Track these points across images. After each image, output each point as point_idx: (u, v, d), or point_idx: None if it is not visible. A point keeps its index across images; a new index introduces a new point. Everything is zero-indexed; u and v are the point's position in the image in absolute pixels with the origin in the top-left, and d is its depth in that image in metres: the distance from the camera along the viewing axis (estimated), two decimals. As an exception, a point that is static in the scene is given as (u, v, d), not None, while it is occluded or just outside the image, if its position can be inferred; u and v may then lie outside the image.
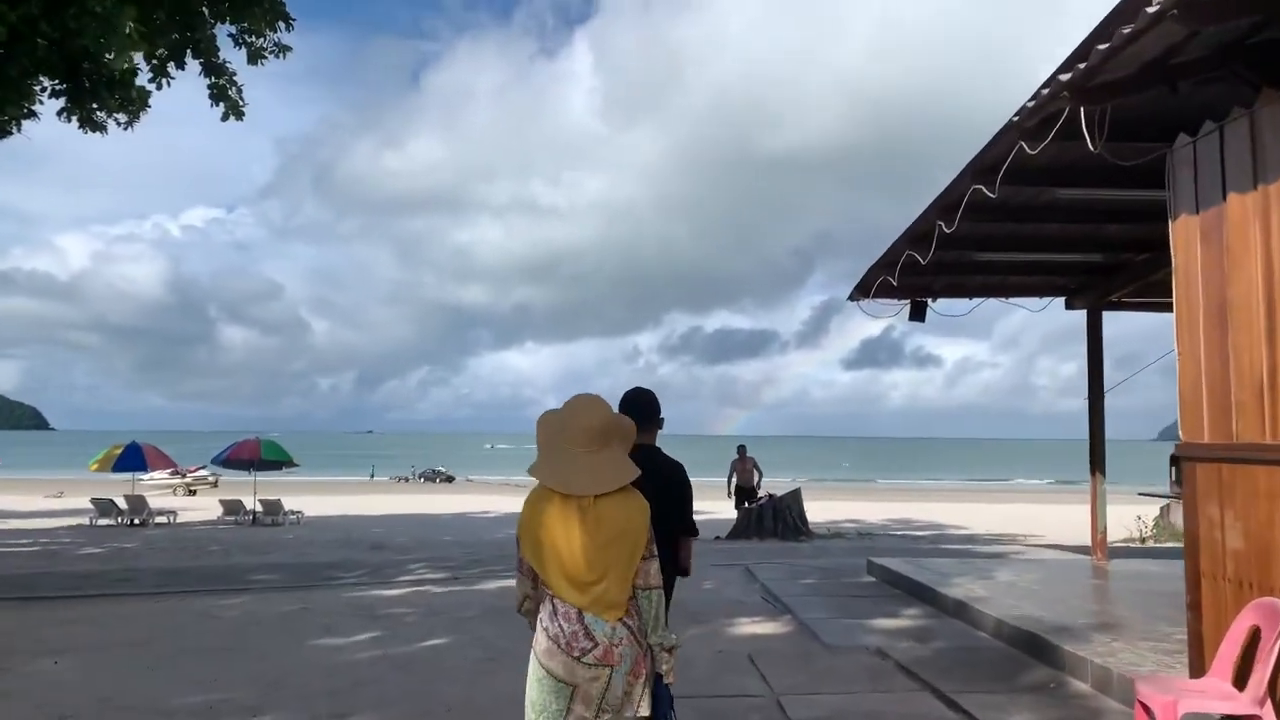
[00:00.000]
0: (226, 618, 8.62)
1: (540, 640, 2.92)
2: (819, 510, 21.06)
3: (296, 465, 27.78)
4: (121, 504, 25.55)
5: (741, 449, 18.68)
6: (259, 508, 25.96)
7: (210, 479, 44.98)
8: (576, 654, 2.84)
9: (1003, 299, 12.42)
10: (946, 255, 10.56)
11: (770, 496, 17.65)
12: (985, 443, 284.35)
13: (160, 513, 26.02)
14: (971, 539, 18.31)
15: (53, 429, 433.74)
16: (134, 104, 13.69)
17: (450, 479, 62.67)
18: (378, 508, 33.84)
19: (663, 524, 3.24)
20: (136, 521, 25.09)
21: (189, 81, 11.62)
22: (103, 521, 24.97)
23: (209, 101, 11.60)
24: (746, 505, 17.74)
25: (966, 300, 12.43)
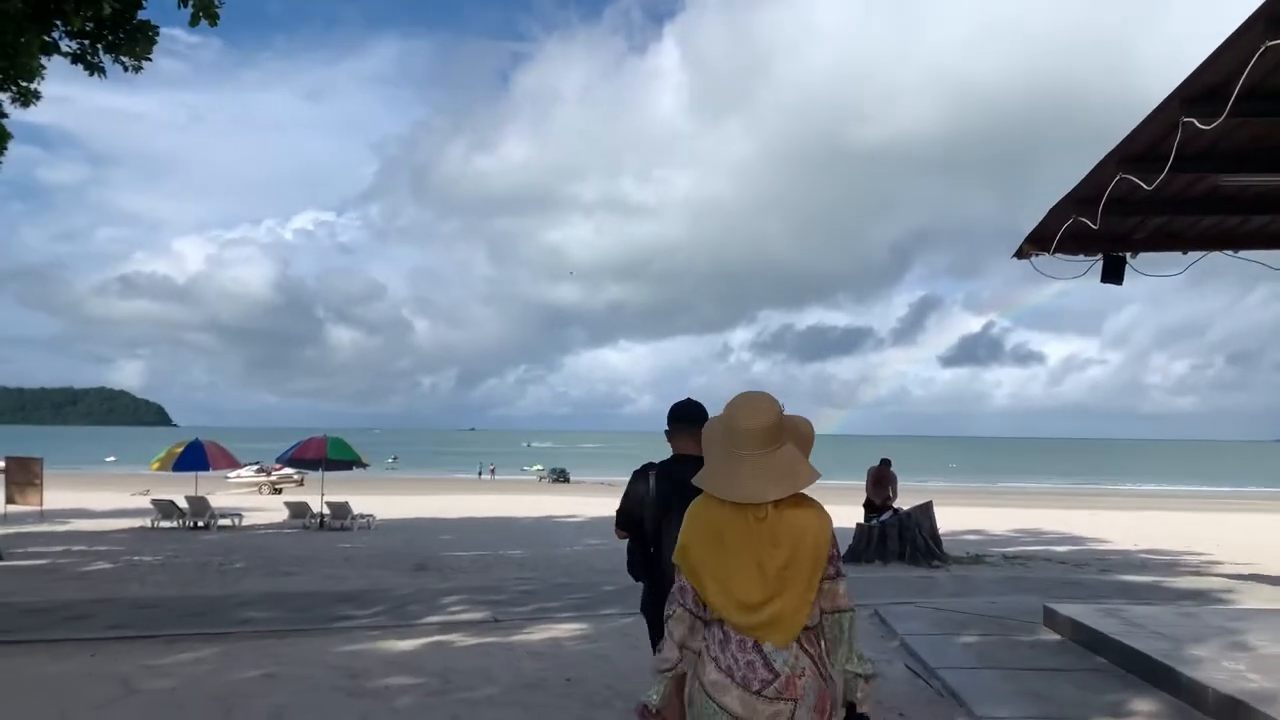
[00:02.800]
0: (148, 689, 6.17)
1: (709, 672, 2.55)
2: (937, 520, 17.74)
3: (366, 465, 25.88)
4: (184, 505, 24.14)
5: (886, 461, 15.63)
6: (326, 510, 24.17)
7: (296, 477, 43.99)
8: (756, 688, 2.50)
9: (1234, 252, 9.10)
10: (1172, 183, 7.46)
11: (895, 511, 14.52)
12: (1094, 443, 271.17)
13: (225, 515, 24.48)
14: (1141, 563, 14.84)
15: (175, 425, 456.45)
16: (140, 44, 12.15)
17: (566, 479, 60.73)
18: (460, 509, 32.02)
19: None
20: (200, 524, 23.62)
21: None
22: (164, 524, 23.59)
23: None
24: (868, 521, 14.65)
25: (1180, 255, 9.19)
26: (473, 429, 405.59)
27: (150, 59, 13.01)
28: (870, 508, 15.33)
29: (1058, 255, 8.94)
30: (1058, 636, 8.07)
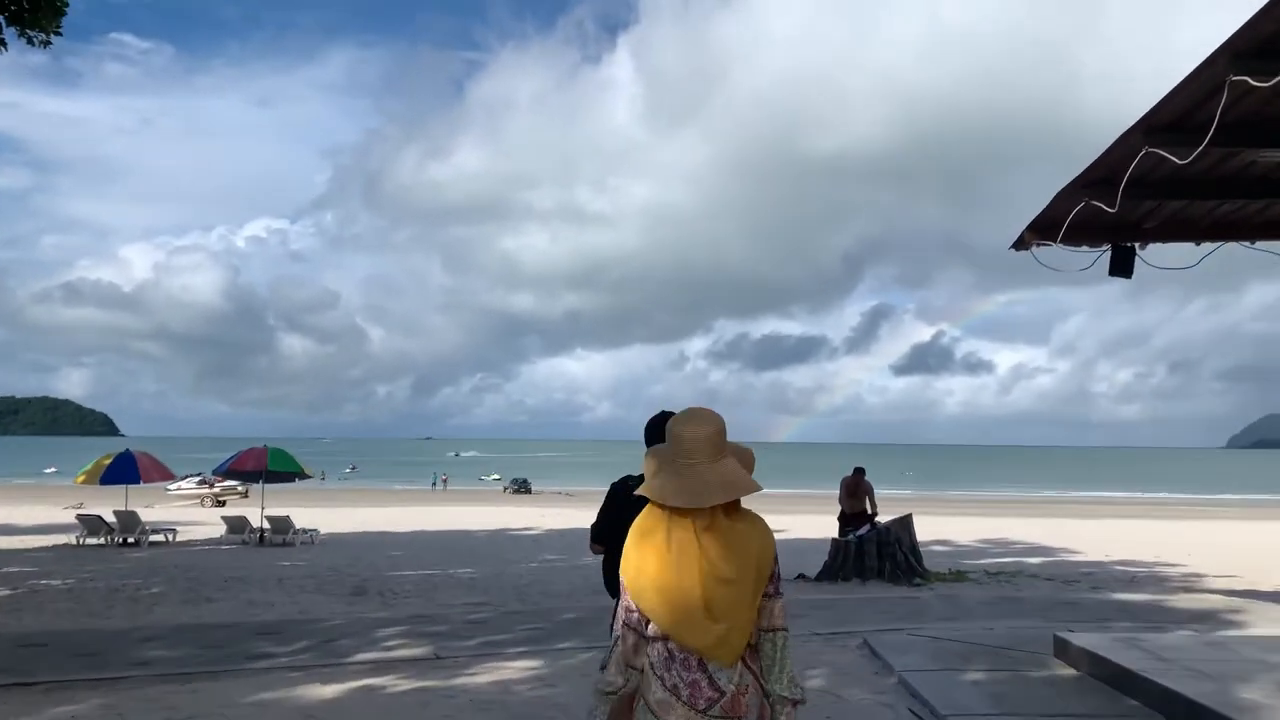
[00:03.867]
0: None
1: (654, 690, 2.54)
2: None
3: (309, 476, 24.48)
4: (113, 520, 22.57)
5: (860, 470, 14.70)
6: (266, 525, 22.77)
7: (240, 489, 42.22)
8: (701, 706, 2.49)
9: (1250, 243, 8.30)
10: (1200, 160, 6.60)
11: (874, 525, 13.59)
12: (1044, 450, 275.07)
13: (157, 530, 22.95)
14: (1130, 579, 14.11)
15: (123, 434, 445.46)
16: (46, 16, 11.03)
17: (528, 490, 58.88)
18: (412, 522, 30.67)
19: None
20: (130, 540, 22.10)
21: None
22: (91, 540, 21.99)
23: None
24: (845, 535, 13.71)
25: (1193, 246, 8.38)
26: (429, 438, 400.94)
27: (59, 33, 11.89)
28: (845, 520, 14.42)
29: (1061, 246, 8.10)
30: (1073, 671, 7.17)
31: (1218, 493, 68.20)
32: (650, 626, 2.53)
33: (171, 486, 43.33)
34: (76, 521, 22.99)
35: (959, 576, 13.50)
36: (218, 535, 23.75)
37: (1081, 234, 7.83)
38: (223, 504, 41.29)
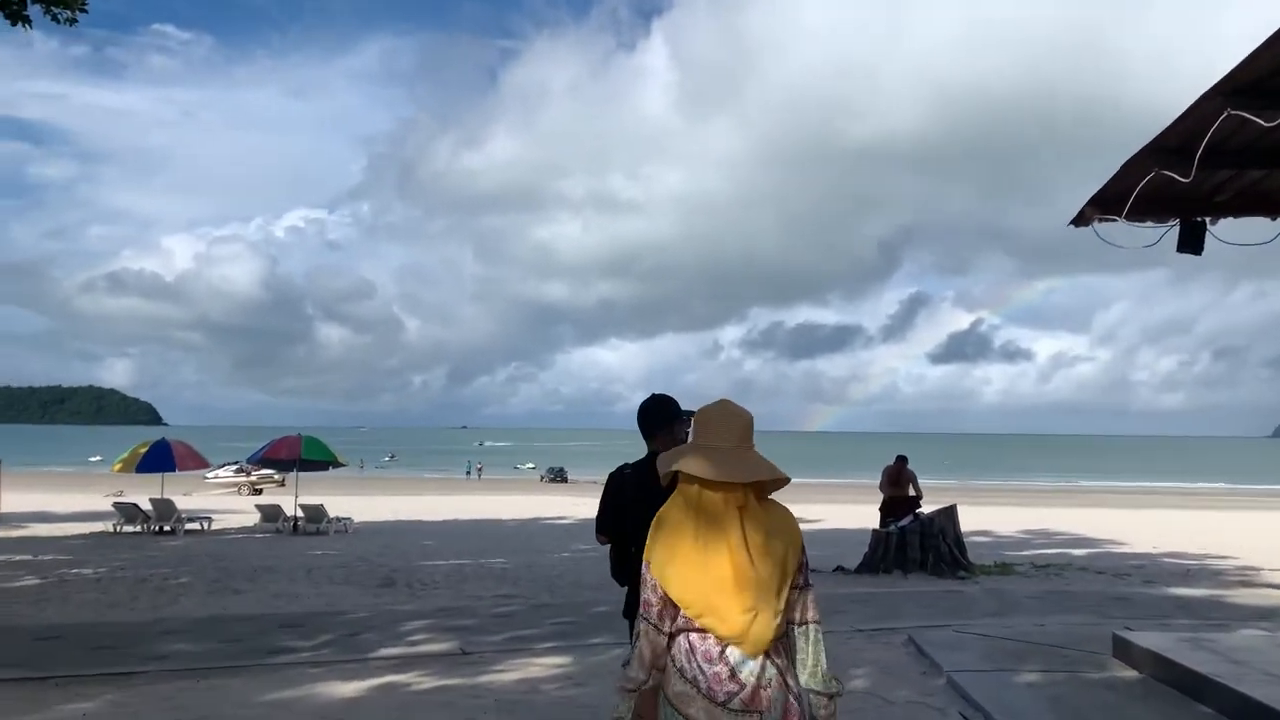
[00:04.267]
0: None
1: (673, 682, 2.46)
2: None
3: (343, 465, 24.40)
4: (149, 508, 22.69)
5: (902, 458, 14.22)
6: (300, 514, 22.74)
7: (277, 478, 42.44)
8: (721, 699, 2.40)
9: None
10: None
11: (916, 515, 13.12)
12: (1085, 439, 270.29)
13: (193, 518, 23.04)
14: (1185, 572, 13.51)
15: (166, 424, 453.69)
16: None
17: (564, 478, 58.73)
18: (446, 511, 30.66)
19: None
20: (166, 528, 22.20)
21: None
22: (128, 528, 22.12)
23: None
24: (887, 526, 13.25)
25: (1268, 221, 7.81)
26: (464, 427, 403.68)
27: (85, 10, 11.64)
28: (887, 510, 13.96)
29: (1125, 222, 7.58)
30: (1135, 673, 6.71)
31: (1264, 483, 66.50)
32: (670, 621, 2.47)
33: (209, 474, 43.75)
34: (113, 509, 23.15)
35: (1005, 570, 13.00)
36: (252, 524, 23.78)
37: (1147, 208, 7.31)
38: (259, 492, 41.60)
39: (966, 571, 12.43)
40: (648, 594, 2.48)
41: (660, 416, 3.74)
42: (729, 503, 2.46)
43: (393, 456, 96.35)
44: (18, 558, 15.21)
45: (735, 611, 2.38)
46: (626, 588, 3.74)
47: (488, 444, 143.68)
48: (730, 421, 2.58)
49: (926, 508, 13.73)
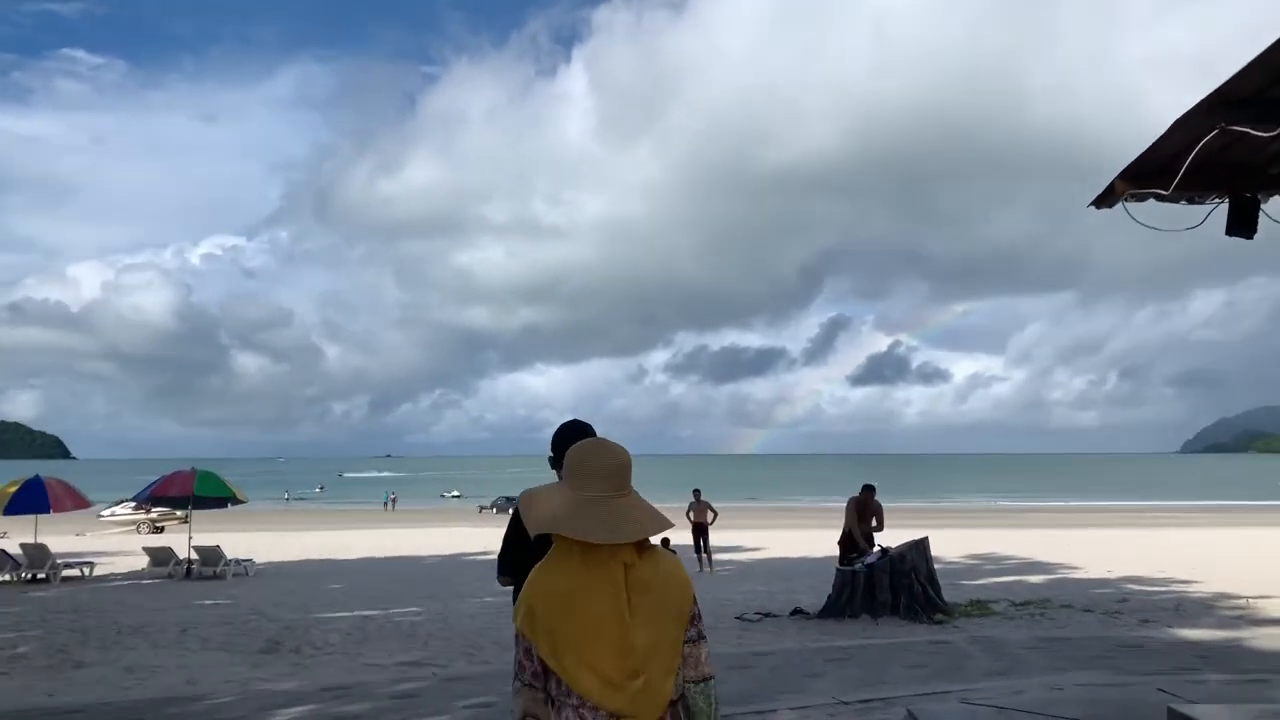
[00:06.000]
0: None
1: None
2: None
3: (242, 501, 22.08)
4: (18, 554, 20.15)
5: (869, 490, 12.77)
6: (194, 556, 20.45)
7: (180, 514, 39.42)
8: None
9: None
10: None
11: (884, 550, 11.70)
12: (1005, 458, 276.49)
13: (70, 564, 20.56)
14: (1174, 604, 12.37)
15: (74, 458, 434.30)
16: None
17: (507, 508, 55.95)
18: (363, 547, 28.42)
19: None
20: (40, 576, 19.72)
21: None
22: (-4, 577, 19.59)
23: None
24: (851, 563, 11.78)
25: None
26: (389, 455, 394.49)
27: None
28: (849, 545, 12.54)
29: (1164, 198, 6.29)
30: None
31: (1181, 499, 67.83)
32: (555, 686, 2.19)
33: (105, 512, 40.60)
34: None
35: (983, 610, 11.66)
36: (142, 567, 21.37)
37: (1189, 181, 6.04)
38: (160, 530, 38.66)
39: (943, 614, 11.04)
40: (521, 656, 2.25)
41: (564, 446, 3.33)
42: (612, 562, 2.20)
43: (322, 488, 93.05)
44: None
45: (622, 681, 2.15)
46: None
47: (346, 475, 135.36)
48: (607, 466, 2.30)
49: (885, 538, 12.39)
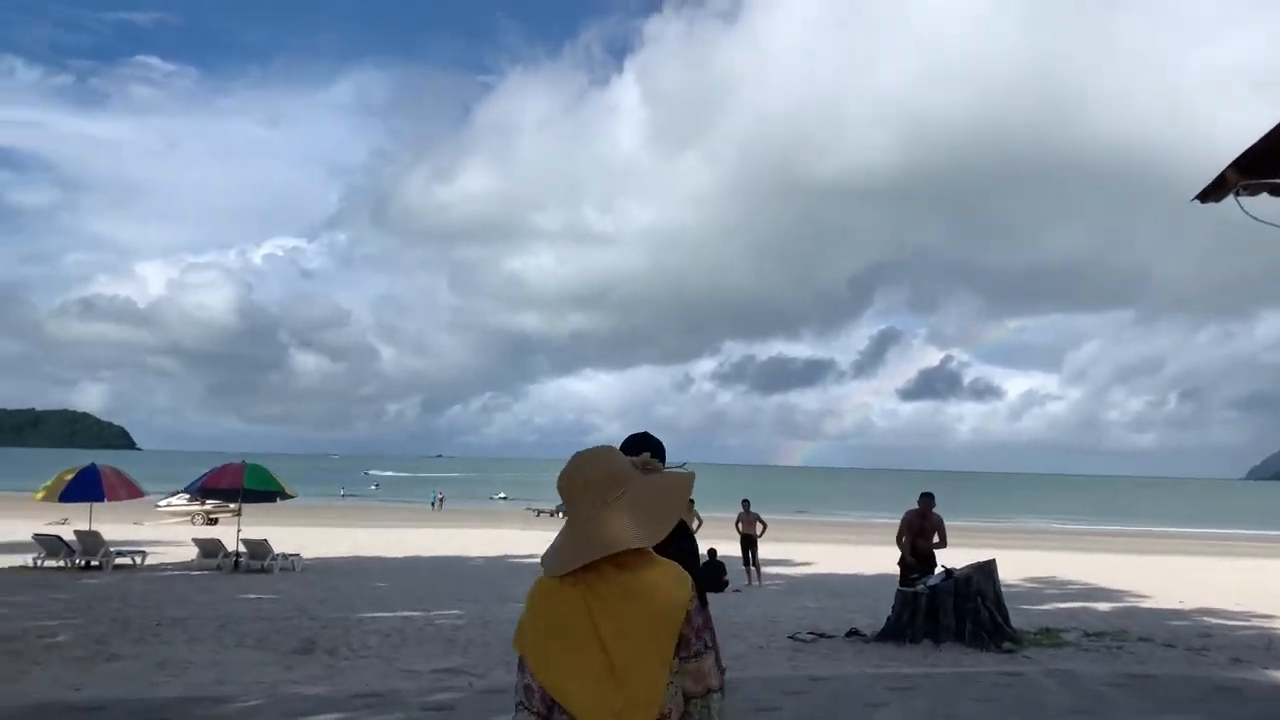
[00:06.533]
0: None
1: None
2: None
3: (291, 496, 22.09)
4: (73, 540, 20.35)
5: (928, 499, 12.12)
6: (242, 549, 20.46)
7: (233, 507, 39.82)
8: None
9: None
10: None
11: (947, 571, 11.04)
12: (1059, 478, 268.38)
13: (123, 552, 20.70)
14: (1264, 643, 11.49)
15: (139, 449, 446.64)
16: None
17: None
18: (409, 546, 28.33)
19: None
20: (93, 563, 19.90)
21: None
22: (50, 563, 19.82)
23: None
24: (913, 584, 11.15)
25: None
26: (439, 455, 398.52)
27: None
28: (908, 564, 11.89)
29: (1270, 190, 5.66)
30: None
31: (1250, 527, 64.80)
32: (555, 708, 2.17)
33: (162, 502, 41.22)
34: (34, 542, 20.79)
35: (1054, 640, 10.93)
36: (191, 558, 21.46)
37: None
38: (214, 522, 39.11)
39: (1012, 642, 10.35)
40: (526, 677, 2.21)
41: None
42: (581, 582, 2.15)
43: (377, 485, 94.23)
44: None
45: (605, 695, 2.09)
46: None
47: (371, 472, 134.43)
48: (578, 483, 2.25)
49: (947, 556, 11.74)
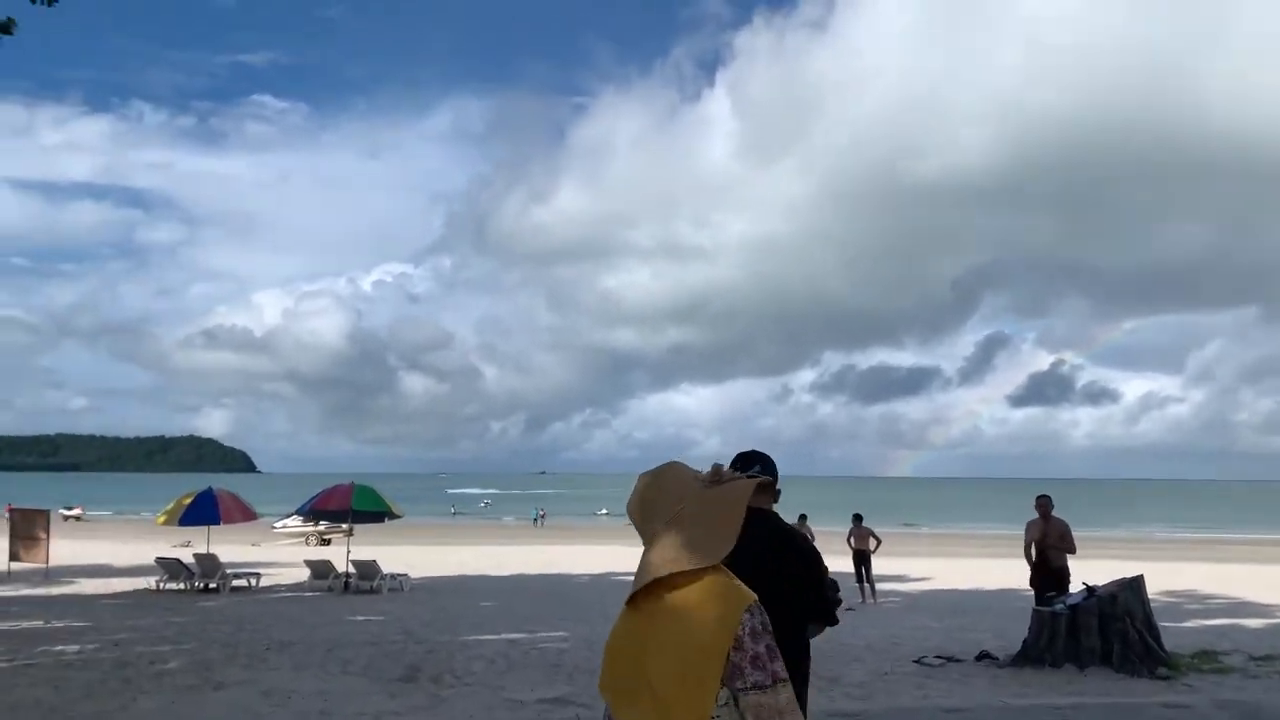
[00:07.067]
0: None
1: None
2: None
3: (398, 515, 22.28)
4: (193, 563, 20.96)
5: (1044, 501, 11.31)
6: (351, 570, 20.70)
7: (345, 527, 40.77)
8: None
9: None
10: None
11: (1090, 590, 10.11)
12: (1186, 484, 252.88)
13: (239, 574, 21.20)
14: None
15: (260, 471, 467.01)
16: None
17: None
18: (515, 563, 28.41)
19: (789, 604, 2.90)
20: (211, 585, 20.45)
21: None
22: (171, 586, 20.44)
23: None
24: (1051, 601, 10.27)
25: None
26: (543, 472, 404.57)
27: (10, 33, 11.94)
28: (1040, 578, 11.00)
29: None
30: None
31: None
32: None
33: (278, 524, 42.48)
34: (156, 565, 21.50)
35: (1215, 664, 9.88)
36: (304, 579, 21.85)
37: None
38: (328, 543, 40.06)
39: (1167, 667, 9.37)
40: (606, 712, 2.19)
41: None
42: (639, 611, 2.08)
43: (488, 503, 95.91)
44: (25, 624, 13.38)
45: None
46: None
47: (450, 491, 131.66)
48: (634, 505, 2.19)
49: (1080, 567, 10.81)
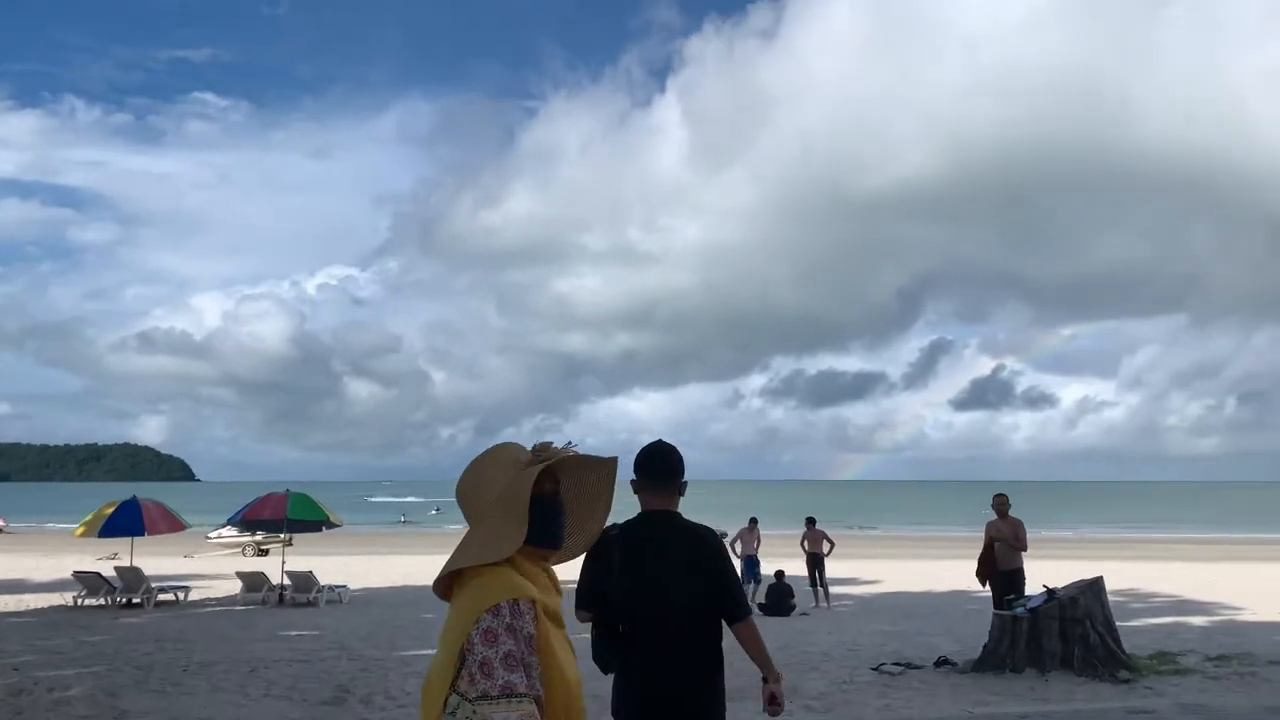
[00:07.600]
0: None
1: None
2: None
3: (337, 524, 21.44)
4: (115, 577, 19.84)
5: (1001, 499, 11.04)
6: (287, 582, 19.81)
7: (284, 537, 39.48)
8: None
9: None
10: None
11: (1050, 593, 9.82)
12: (1122, 485, 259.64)
13: (166, 589, 20.15)
14: None
15: (198, 479, 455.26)
16: None
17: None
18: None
19: (703, 609, 2.98)
20: (135, 600, 19.34)
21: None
22: (90, 601, 19.29)
23: None
24: (1010, 604, 9.97)
25: None
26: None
27: None
28: (991, 576, 10.72)
29: None
30: None
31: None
32: None
33: (213, 534, 41.03)
34: (74, 579, 20.33)
35: (1174, 666, 9.66)
36: (235, 592, 20.88)
37: None
38: (266, 553, 38.75)
39: (1128, 670, 9.11)
40: None
41: (639, 468, 3.55)
42: None
43: (438, 509, 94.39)
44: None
45: None
46: (614, 677, 3.35)
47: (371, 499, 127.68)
48: (458, 498, 2.16)
49: (1031, 569, 10.56)
